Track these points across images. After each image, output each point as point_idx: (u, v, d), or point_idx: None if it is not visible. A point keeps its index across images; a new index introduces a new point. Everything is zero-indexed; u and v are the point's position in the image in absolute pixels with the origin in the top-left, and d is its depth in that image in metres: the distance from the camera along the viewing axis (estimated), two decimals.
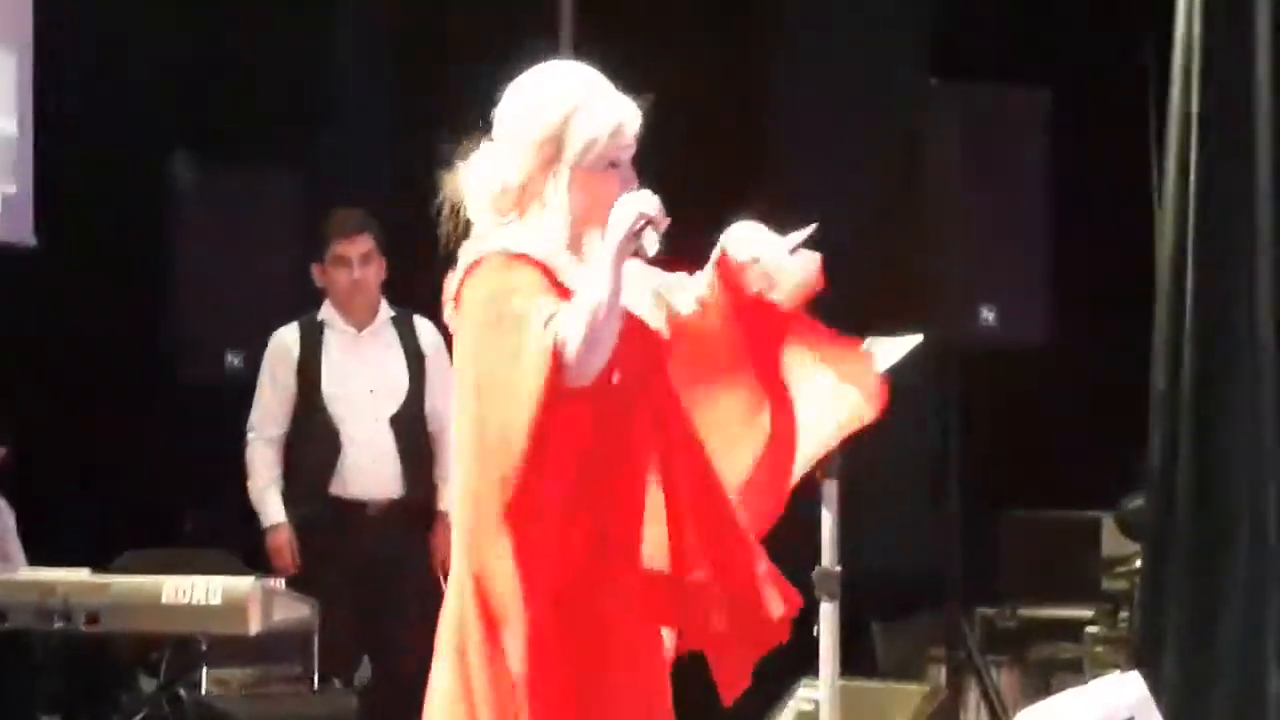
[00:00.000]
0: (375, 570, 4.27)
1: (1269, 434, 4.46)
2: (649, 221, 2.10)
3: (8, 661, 4.42)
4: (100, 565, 4.34)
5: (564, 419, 2.08)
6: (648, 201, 2.10)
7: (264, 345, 4.37)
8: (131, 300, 5.14)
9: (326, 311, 4.49)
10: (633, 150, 2.21)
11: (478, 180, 2.18)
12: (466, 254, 2.16)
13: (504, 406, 2.10)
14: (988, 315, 4.93)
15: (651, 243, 2.11)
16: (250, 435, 4.36)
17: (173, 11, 5.54)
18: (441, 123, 2.35)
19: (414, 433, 4.28)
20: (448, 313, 2.20)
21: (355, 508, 4.27)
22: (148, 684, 4.53)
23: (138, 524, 5.19)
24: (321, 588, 4.22)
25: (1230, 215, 4.51)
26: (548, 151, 2.15)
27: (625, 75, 2.22)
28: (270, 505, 4.21)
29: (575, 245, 2.18)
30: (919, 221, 5.05)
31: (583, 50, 2.95)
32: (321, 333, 4.50)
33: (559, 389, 2.03)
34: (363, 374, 4.48)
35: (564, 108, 2.14)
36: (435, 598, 2.53)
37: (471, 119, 2.22)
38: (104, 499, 5.43)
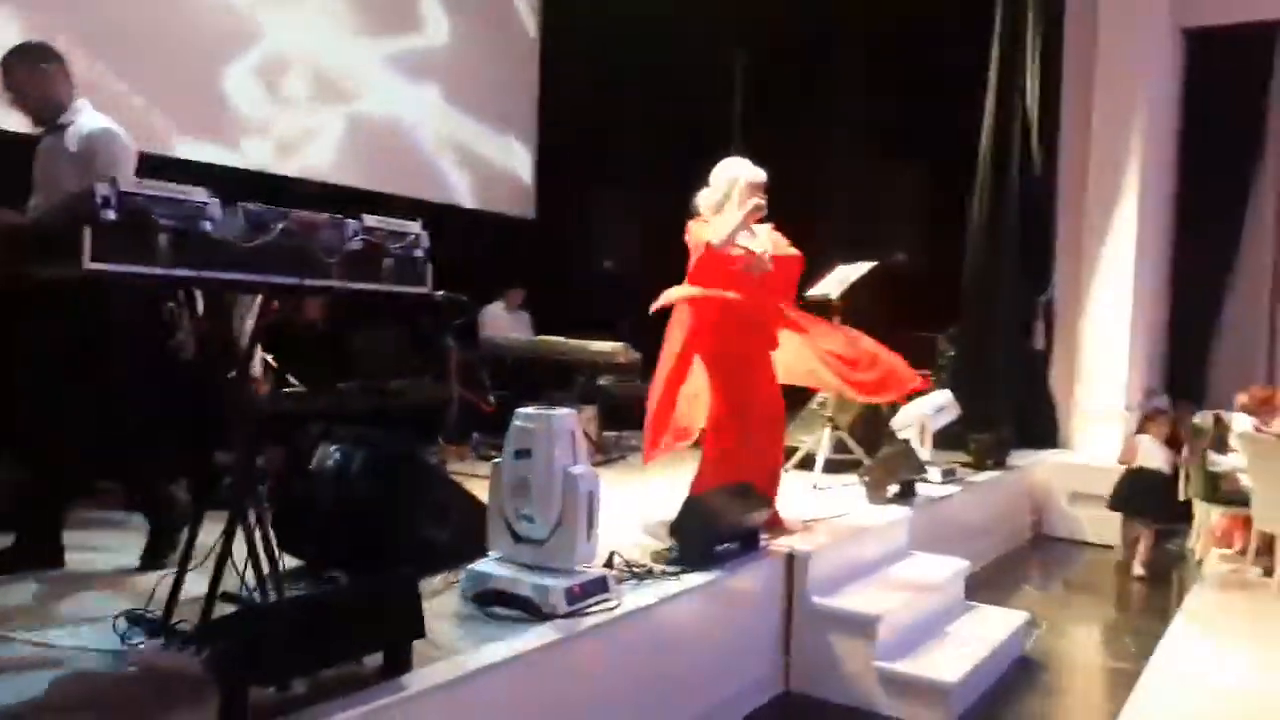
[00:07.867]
0: None
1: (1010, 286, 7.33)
2: (758, 208, 4.10)
3: (509, 368, 6.53)
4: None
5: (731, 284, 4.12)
6: (759, 205, 4.12)
7: None
8: None
9: None
10: (764, 186, 4.22)
11: (705, 199, 4.33)
12: (694, 224, 4.25)
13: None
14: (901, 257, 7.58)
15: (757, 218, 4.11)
16: None
17: None
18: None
19: None
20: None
21: None
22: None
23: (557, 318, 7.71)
24: None
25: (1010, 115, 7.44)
26: (732, 184, 4.26)
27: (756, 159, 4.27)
28: None
29: (744, 224, 4.22)
30: None
31: (741, 150, 4.45)
32: None
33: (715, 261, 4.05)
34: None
35: (736, 169, 4.30)
36: None
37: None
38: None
